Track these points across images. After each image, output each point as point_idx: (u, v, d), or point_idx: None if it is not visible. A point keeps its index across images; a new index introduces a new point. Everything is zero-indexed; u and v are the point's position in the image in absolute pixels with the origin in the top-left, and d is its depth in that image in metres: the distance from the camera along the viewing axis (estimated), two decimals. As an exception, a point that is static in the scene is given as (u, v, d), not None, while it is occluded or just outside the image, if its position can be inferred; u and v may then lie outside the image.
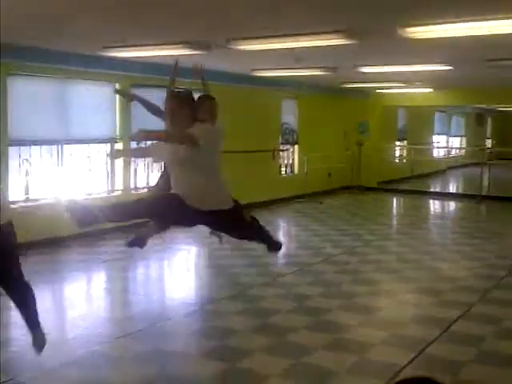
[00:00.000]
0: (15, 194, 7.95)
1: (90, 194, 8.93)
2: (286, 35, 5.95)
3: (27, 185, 8.17)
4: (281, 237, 10.40)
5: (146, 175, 10.03)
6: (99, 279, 7.26)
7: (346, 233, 9.68)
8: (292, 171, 13.66)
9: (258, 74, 10.14)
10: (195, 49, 6.77)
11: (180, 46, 6.70)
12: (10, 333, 5.29)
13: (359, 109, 14.95)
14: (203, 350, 4.76)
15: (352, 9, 4.91)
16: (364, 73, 9.57)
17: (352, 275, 7.06)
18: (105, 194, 9.19)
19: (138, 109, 9.27)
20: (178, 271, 7.76)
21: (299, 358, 4.58)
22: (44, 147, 8.36)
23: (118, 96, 9.06)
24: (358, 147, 14.80)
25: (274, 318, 5.53)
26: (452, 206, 14.15)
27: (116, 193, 9.32)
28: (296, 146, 13.55)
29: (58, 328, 5.41)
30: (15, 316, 5.78)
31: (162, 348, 4.75)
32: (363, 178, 14.81)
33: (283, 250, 9.06)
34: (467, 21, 5.04)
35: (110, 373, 4.32)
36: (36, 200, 8.22)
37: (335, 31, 5.66)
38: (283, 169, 13.49)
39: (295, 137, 13.44)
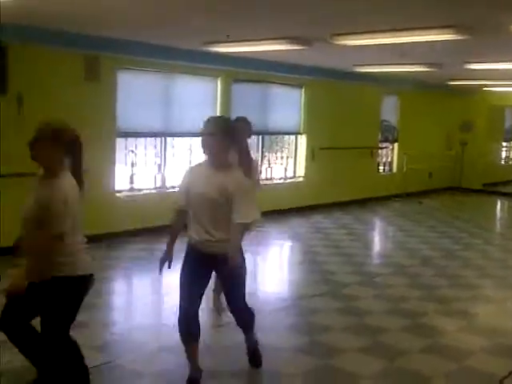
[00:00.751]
0: (121, 183, 8.30)
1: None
2: (391, 30, 5.81)
3: (132, 175, 8.51)
4: (376, 236, 10.26)
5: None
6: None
7: (445, 235, 9.36)
8: (390, 169, 13.37)
9: (358, 70, 10.00)
10: (296, 44, 6.77)
11: (281, 41, 6.72)
12: (112, 316, 5.56)
13: (464, 107, 14.39)
14: (295, 345, 4.76)
15: (463, 3, 4.72)
16: (472, 70, 9.18)
17: (451, 279, 6.82)
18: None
19: (238, 103, 9.53)
20: (272, 265, 7.81)
21: (393, 361, 4.49)
22: (148, 139, 8.67)
23: (219, 90, 9.25)
24: (461, 147, 14.25)
25: (368, 318, 5.44)
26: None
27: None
28: (395, 144, 13.25)
29: (157, 314, 5.62)
30: (117, 301, 6.09)
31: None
32: (466, 179, 14.26)
33: (378, 249, 9.06)
34: None
35: (205, 360, 4.42)
36: (140, 190, 8.55)
37: (445, 26, 5.46)
38: (381, 167, 13.23)
39: (395, 134, 13.14)
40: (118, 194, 8.19)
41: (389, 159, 13.36)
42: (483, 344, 4.89)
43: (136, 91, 8.20)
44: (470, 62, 8.61)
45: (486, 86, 12.81)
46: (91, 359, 4.17)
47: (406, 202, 12.48)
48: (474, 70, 9.15)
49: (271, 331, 5.05)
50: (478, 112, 14.42)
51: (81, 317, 5.02)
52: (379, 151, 12.95)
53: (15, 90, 6.80)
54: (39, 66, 7.02)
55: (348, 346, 4.74)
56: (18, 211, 3.44)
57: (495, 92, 13.88)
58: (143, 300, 5.98)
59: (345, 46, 6.75)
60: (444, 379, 4.27)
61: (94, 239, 7.91)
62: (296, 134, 10.86)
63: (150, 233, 8.15)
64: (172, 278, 6.77)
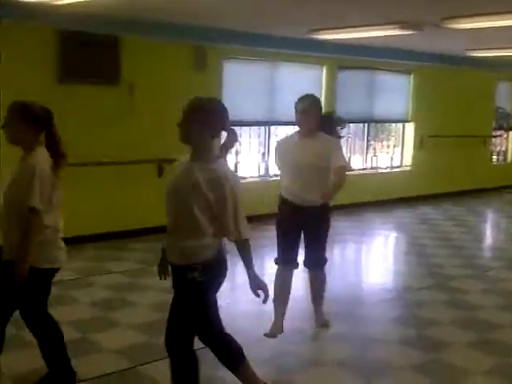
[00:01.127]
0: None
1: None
2: (509, 12, 5.46)
3: (236, 163, 8.61)
4: (488, 228, 9.77)
5: (348, 158, 10.01)
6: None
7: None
8: (505, 159, 12.66)
9: (471, 55, 9.52)
10: (406, 29, 6.53)
11: (390, 26, 6.51)
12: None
13: None
14: (401, 338, 4.62)
15: None
16: None
17: None
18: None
19: (343, 91, 9.37)
20: (376, 256, 7.65)
21: (505, 358, 4.25)
22: (253, 128, 8.73)
23: (324, 78, 9.15)
24: None
25: (477, 312, 5.19)
26: None
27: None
28: (511, 132, 12.52)
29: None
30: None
31: (359, 331, 4.71)
32: None
33: (490, 242, 8.60)
34: None
35: (307, 350, 4.39)
36: (244, 178, 8.64)
37: None
38: (495, 156, 12.56)
39: (510, 122, 12.41)
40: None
41: (503, 148, 12.66)
42: None
43: (241, 80, 8.27)
44: None
45: None
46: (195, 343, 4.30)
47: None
48: None
49: (377, 323, 4.95)
50: None
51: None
52: (493, 140, 12.29)
53: (127, 80, 7.07)
54: (149, 57, 7.26)
55: (456, 341, 4.54)
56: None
57: None
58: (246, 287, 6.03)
59: (457, 30, 6.42)
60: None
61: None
62: (403, 121, 10.53)
63: (253, 220, 8.20)
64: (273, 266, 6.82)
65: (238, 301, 5.56)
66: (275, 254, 4.64)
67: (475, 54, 9.46)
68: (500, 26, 6.05)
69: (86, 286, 5.62)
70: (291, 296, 4.66)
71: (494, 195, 11.52)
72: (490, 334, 4.71)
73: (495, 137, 12.38)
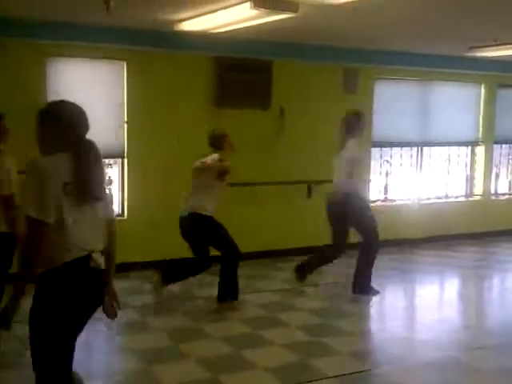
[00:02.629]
0: (375, 193, 8.25)
1: (447, 198, 8.76)
2: None
3: (386, 185, 8.40)
4: None
5: (509, 181, 9.38)
6: (453, 285, 7.04)
7: None
8: None
9: None
10: None
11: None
12: (369, 324, 5.53)
13: None
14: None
15: None
16: None
17: None
18: (462, 199, 8.88)
19: (504, 109, 8.82)
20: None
21: None
22: (404, 149, 8.48)
23: (483, 97, 8.69)
24: None
25: None
26: None
27: (474, 197, 8.94)
28: None
29: (411, 328, 5.41)
30: (373, 310, 6.02)
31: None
32: None
33: None
34: None
35: (464, 381, 4.12)
36: (394, 200, 8.40)
37: None
38: None
39: None
40: (371, 204, 8.13)
41: None
42: None
43: (392, 100, 8.09)
44: None
45: None
46: (348, 366, 4.20)
47: None
48: None
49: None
50: None
51: (337, 322, 5.15)
52: None
53: (278, 104, 7.19)
54: (299, 80, 7.33)
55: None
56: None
57: None
58: (398, 312, 5.83)
59: None
60: None
61: (348, 247, 8.04)
62: None
63: (402, 244, 7.96)
64: (426, 292, 6.54)
65: (389, 325, 5.36)
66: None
67: None
68: None
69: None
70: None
71: None
72: None
73: None
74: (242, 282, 6.30)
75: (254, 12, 4.60)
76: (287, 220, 7.36)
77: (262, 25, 5.17)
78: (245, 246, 7.11)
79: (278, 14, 4.70)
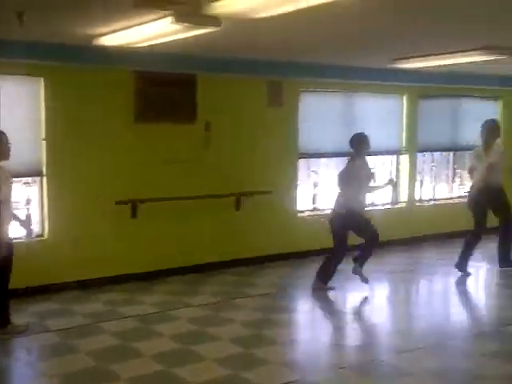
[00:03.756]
0: (304, 203, 8.33)
1: (374, 205, 8.94)
2: None
3: (315, 195, 8.49)
4: None
5: (433, 187, 9.67)
6: (383, 290, 7.16)
7: None
8: None
9: None
10: (495, 54, 6.24)
11: (477, 52, 6.22)
12: (298, 334, 5.53)
13: None
14: (500, 373, 4.34)
15: None
16: None
17: None
18: (389, 206, 9.09)
19: (425, 120, 9.11)
20: (468, 288, 7.24)
21: None
22: (331, 159, 8.60)
23: (405, 108, 8.95)
24: None
25: None
26: None
27: (400, 204, 9.16)
28: None
29: (341, 334, 5.45)
30: (303, 318, 6.03)
31: (452, 366, 4.48)
32: None
33: None
34: None
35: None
36: (322, 210, 8.49)
37: None
38: None
39: None
40: (300, 214, 8.22)
41: None
42: None
43: (318, 112, 8.21)
44: None
45: None
46: (279, 376, 4.18)
47: None
48: None
49: (470, 358, 4.69)
50: None
51: (268, 332, 5.14)
52: None
53: (203, 118, 7.16)
54: (225, 94, 7.33)
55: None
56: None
57: None
58: (328, 320, 5.87)
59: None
60: None
61: (278, 258, 8.11)
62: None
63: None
64: (356, 299, 6.64)
65: (319, 333, 5.38)
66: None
67: None
68: None
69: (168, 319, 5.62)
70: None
71: None
72: None
73: None
74: (170, 298, 6.22)
75: (176, 27, 4.56)
76: (216, 233, 7.33)
77: (185, 39, 5.13)
78: (172, 261, 7.07)
79: (200, 28, 4.66)
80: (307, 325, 5.91)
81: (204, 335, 5.15)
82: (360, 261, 6.62)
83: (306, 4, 3.75)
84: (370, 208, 8.77)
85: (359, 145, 6.50)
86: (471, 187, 7.34)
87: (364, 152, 6.53)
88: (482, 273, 7.92)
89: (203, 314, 5.73)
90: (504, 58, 6.40)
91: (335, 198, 6.59)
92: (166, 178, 6.90)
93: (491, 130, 7.20)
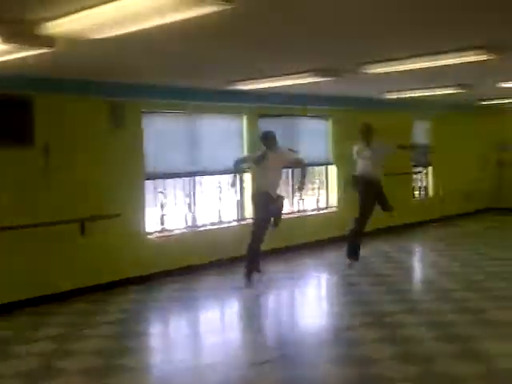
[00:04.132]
0: (152, 224, 8.25)
1: (221, 223, 9.09)
2: (420, 55, 5.67)
3: (162, 216, 8.45)
4: (417, 262, 9.97)
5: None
6: (233, 306, 7.28)
7: (489, 257, 9.03)
8: (426, 194, 13.07)
9: (388, 97, 9.87)
10: (324, 76, 6.68)
11: (308, 74, 6.64)
12: (153, 359, 5.43)
13: (499, 126, 14.09)
14: (341, 379, 4.56)
15: (490, 23, 4.54)
16: (505, 88, 8.96)
17: (499, 302, 6.51)
18: (235, 223, 9.30)
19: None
20: (311, 298, 7.61)
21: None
22: (177, 179, 8.63)
23: (245, 127, 9.25)
24: (498, 167, 13.90)
25: (416, 346, 5.19)
26: None
27: (246, 221, 9.40)
28: (430, 168, 12.98)
29: (197, 355, 5.45)
30: (157, 343, 5.95)
31: (298, 375, 4.61)
32: (505, 199, 13.86)
33: (420, 275, 8.77)
34: None
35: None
36: (171, 230, 8.48)
37: (473, 47, 5.30)
38: (417, 192, 12.94)
39: (429, 158, 12.87)
40: (149, 236, 8.13)
41: (424, 184, 13.08)
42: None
43: (162, 133, 8.20)
44: (501, 81, 8.40)
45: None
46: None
47: (444, 226, 12.14)
48: (506, 88, 8.93)
49: (315, 366, 4.86)
50: (512, 130, 14.11)
51: (121, 360, 4.99)
52: (413, 176, 12.69)
53: (42, 140, 6.83)
54: (65, 116, 7.07)
55: (399, 377, 4.50)
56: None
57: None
58: (183, 341, 5.84)
59: (373, 75, 6.63)
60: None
61: (128, 282, 7.95)
62: (326, 164, 10.73)
63: (184, 273, 8.07)
64: (209, 317, 6.69)
65: (175, 356, 5.32)
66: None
67: (392, 96, 9.81)
68: (413, 69, 6.27)
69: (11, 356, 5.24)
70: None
71: (420, 230, 11.82)
72: (430, 365, 4.71)
73: (416, 173, 12.78)
74: (11, 335, 5.86)
75: (5, 47, 4.32)
76: (60, 261, 7.00)
77: (19, 59, 4.88)
78: (13, 295, 6.62)
79: (33, 49, 4.46)
80: (162, 348, 5.83)
81: (50, 369, 4.88)
82: None
83: (141, 27, 3.77)
84: (217, 226, 8.93)
85: (268, 140, 7.76)
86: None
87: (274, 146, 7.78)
88: (322, 282, 8.38)
89: (52, 348, 5.43)
90: (330, 79, 6.88)
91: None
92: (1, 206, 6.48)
93: (370, 130, 8.59)
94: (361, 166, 8.57)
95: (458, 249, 9.83)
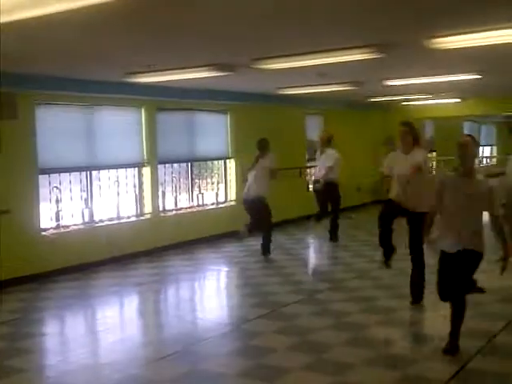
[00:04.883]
0: (47, 221, 7.99)
1: (119, 219, 8.96)
2: (311, 52, 5.90)
3: (58, 211, 8.21)
4: (312, 253, 10.33)
5: (175, 198, 10.04)
6: (132, 303, 7.23)
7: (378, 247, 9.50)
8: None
9: (282, 92, 10.12)
10: (219, 70, 6.77)
11: (204, 68, 6.71)
12: (47, 359, 5.30)
13: (386, 122, 14.82)
14: (240, 370, 4.67)
15: (378, 22, 4.82)
16: (391, 86, 9.48)
17: (389, 290, 6.91)
18: (134, 218, 9.20)
19: (164, 132, 9.44)
20: (210, 291, 7.70)
21: (339, 376, 4.46)
22: (73, 174, 8.40)
23: (144, 120, 9.16)
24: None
25: (312, 335, 5.41)
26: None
27: (145, 216, 9.33)
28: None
29: (94, 353, 5.38)
30: (52, 342, 5.80)
31: (199, 369, 4.69)
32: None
33: (316, 266, 9.10)
34: (494, 29, 4.92)
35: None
36: (67, 227, 8.26)
37: (362, 46, 5.59)
38: (311, 185, 13.35)
39: (322, 153, 13.29)
40: (43, 233, 7.87)
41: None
42: (425, 351, 4.95)
43: (57, 126, 7.96)
44: (387, 79, 8.87)
45: (404, 100, 13.25)
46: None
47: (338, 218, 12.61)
48: (392, 85, 9.44)
49: (215, 358, 4.95)
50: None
51: (15, 362, 4.83)
52: (307, 170, 13.09)
53: None
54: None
55: (294, 365, 4.68)
56: None
57: (414, 106, 14.37)
58: (79, 340, 5.72)
59: (266, 70, 6.80)
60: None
61: (21, 281, 7.67)
62: (225, 158, 10.85)
63: (81, 270, 7.90)
64: (106, 314, 6.60)
65: (70, 356, 5.23)
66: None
67: (285, 92, 10.07)
68: (303, 66, 6.51)
69: None
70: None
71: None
72: (325, 354, 4.93)
73: (309, 167, 13.18)
74: None
75: None
76: None
77: None
78: None
79: None
80: (57, 348, 5.68)
81: None
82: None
83: (31, 14, 3.66)
84: (115, 221, 8.82)
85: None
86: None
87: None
88: (222, 275, 8.51)
89: None
90: (226, 74, 6.98)
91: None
92: None
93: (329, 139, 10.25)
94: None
95: (350, 240, 10.28)
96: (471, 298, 6.31)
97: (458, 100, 13.39)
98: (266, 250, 8.90)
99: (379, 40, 5.51)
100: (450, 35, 5.16)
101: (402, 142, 6.14)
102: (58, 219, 8.18)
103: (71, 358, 5.17)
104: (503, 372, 4.44)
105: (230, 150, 10.83)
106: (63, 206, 8.29)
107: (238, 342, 5.39)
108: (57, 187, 8.24)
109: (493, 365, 4.59)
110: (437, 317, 5.91)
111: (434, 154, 17.81)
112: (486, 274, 7.35)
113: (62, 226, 8.20)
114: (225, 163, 10.92)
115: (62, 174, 8.23)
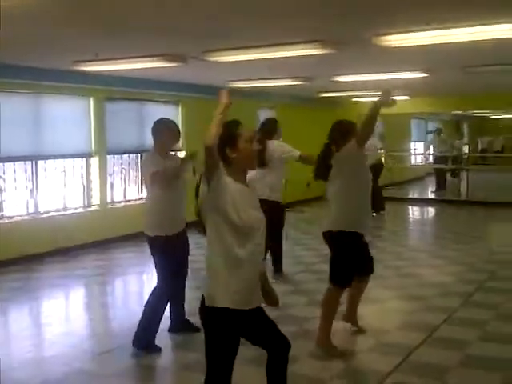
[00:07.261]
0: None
1: (66, 210, 8.80)
2: (261, 46, 5.92)
3: (2, 201, 8.00)
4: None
5: (123, 189, 9.92)
6: (78, 295, 7.12)
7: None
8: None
9: (233, 85, 10.11)
10: (171, 61, 6.71)
11: (155, 58, 6.63)
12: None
13: (336, 118, 14.96)
14: (183, 363, 4.67)
15: (327, 18, 4.89)
16: (340, 82, 9.59)
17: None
18: (82, 209, 9.05)
19: (113, 122, 9.30)
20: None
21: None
22: (18, 163, 8.20)
23: (92, 110, 8.99)
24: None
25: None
26: (431, 211, 14.25)
27: (93, 207, 9.19)
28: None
29: (38, 346, 5.27)
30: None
31: (143, 363, 4.67)
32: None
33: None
34: (440, 28, 5.05)
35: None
36: (11, 217, 8.05)
37: (311, 41, 5.64)
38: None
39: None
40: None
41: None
42: (369, 343, 5.05)
43: (2, 115, 7.73)
44: (337, 75, 8.98)
45: (354, 97, 13.44)
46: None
47: (288, 212, 12.69)
48: (342, 81, 9.57)
49: (162, 352, 4.91)
50: (349, 122, 15.06)
51: None
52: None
53: None
54: None
55: (239, 360, 4.69)
56: None
57: (363, 102, 14.59)
58: (23, 333, 5.60)
59: (217, 62, 6.78)
60: (336, 381, 4.35)
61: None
62: (176, 151, 10.77)
63: (25, 261, 7.73)
64: (51, 307, 6.48)
65: (14, 349, 5.11)
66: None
67: (236, 85, 10.06)
68: (254, 59, 6.53)
69: None
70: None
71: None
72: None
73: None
74: None
75: None
76: None
77: None
78: None
79: None
80: (1, 342, 5.54)
81: None
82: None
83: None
84: (62, 213, 8.66)
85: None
86: None
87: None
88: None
89: None
90: (177, 65, 6.92)
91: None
92: None
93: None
94: None
95: (299, 233, 10.37)
96: (415, 292, 6.52)
97: (407, 97, 13.66)
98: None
99: (327, 36, 5.58)
100: (396, 33, 5.28)
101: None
102: (1, 209, 7.97)
103: (15, 351, 5.07)
104: (444, 364, 4.56)
105: (181, 142, 10.74)
106: (7, 197, 8.08)
107: (183, 335, 5.37)
108: (0, 177, 8.03)
109: (434, 356, 4.71)
110: (382, 310, 6.05)
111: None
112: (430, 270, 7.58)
113: (6, 217, 8.00)
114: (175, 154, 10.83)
115: (6, 163, 8.02)
